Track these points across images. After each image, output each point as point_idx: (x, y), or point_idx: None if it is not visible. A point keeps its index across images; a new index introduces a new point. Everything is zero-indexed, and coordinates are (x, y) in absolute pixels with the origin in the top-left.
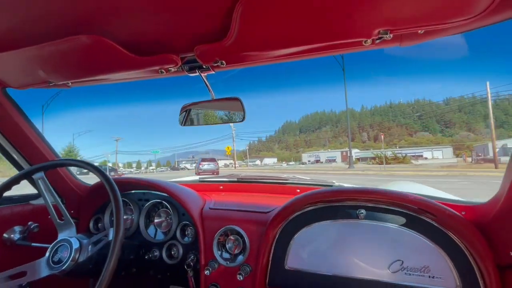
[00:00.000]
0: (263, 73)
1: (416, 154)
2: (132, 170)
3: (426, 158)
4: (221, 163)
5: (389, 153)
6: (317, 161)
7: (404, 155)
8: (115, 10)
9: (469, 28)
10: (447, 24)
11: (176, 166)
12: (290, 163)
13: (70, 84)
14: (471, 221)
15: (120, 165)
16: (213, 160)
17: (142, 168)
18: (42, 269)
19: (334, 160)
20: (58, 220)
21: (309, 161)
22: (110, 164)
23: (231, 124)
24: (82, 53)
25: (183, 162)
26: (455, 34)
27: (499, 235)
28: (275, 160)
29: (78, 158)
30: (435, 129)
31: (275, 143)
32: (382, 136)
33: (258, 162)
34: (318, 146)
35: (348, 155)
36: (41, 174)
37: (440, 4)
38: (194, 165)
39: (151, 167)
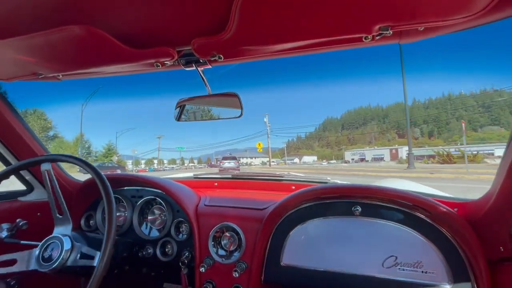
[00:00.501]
0: (295, 64)
1: (486, 151)
2: (174, 166)
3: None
4: (257, 160)
5: (451, 150)
6: (362, 160)
7: (474, 152)
8: (109, 0)
9: (469, 26)
10: (447, 21)
11: (215, 163)
12: (331, 161)
13: (60, 76)
14: (463, 217)
15: (165, 161)
16: (233, 158)
17: (185, 164)
18: (32, 261)
19: (382, 159)
20: (57, 214)
21: (352, 159)
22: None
23: (265, 120)
24: (74, 44)
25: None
26: (455, 32)
27: (490, 231)
28: (314, 158)
29: (117, 157)
30: (508, 122)
31: (315, 141)
32: (463, 124)
33: (296, 160)
34: (363, 144)
35: (408, 152)
36: (48, 165)
37: (441, 1)
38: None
39: (191, 164)
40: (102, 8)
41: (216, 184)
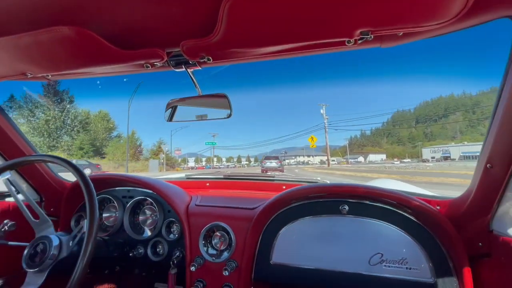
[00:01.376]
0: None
1: None
2: (229, 164)
3: None
4: (316, 159)
5: None
6: (446, 158)
7: None
8: (98, 1)
9: (444, 32)
10: (424, 27)
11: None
12: (405, 160)
13: (50, 76)
14: (445, 214)
15: (224, 159)
16: (275, 158)
17: (243, 162)
18: (32, 279)
19: (476, 157)
20: (33, 219)
21: (433, 157)
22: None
23: (322, 112)
24: (63, 45)
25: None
26: (432, 37)
27: (469, 227)
28: (383, 156)
29: (163, 154)
30: None
31: (383, 137)
32: None
33: (361, 158)
34: (445, 139)
35: None
36: (7, 174)
37: (415, 8)
38: (286, 160)
39: (244, 162)
40: (91, 9)
41: (208, 184)
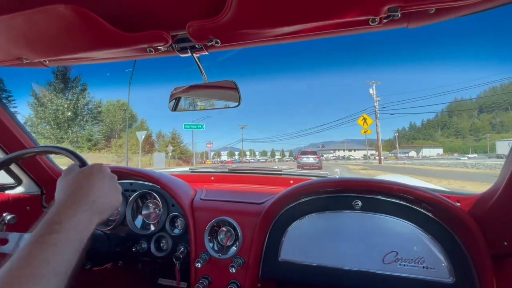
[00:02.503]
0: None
1: None
2: (260, 158)
3: None
4: (359, 153)
5: None
6: None
7: None
8: None
9: (485, 8)
10: (461, 1)
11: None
12: (470, 155)
13: (47, 62)
14: (466, 211)
15: (257, 153)
16: (313, 153)
17: (276, 157)
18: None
19: None
20: None
21: None
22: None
23: (371, 92)
24: (60, 26)
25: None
26: (467, 15)
27: (494, 226)
28: (439, 151)
29: (172, 147)
30: None
31: (437, 129)
32: None
33: (412, 153)
34: None
35: None
36: None
37: None
38: (324, 155)
39: (278, 156)
40: None
41: (213, 178)
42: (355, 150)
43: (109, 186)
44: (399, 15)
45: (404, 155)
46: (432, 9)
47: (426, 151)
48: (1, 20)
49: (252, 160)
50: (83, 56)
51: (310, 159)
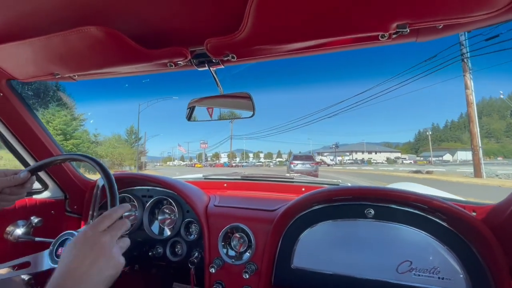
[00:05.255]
0: None
1: None
2: (254, 161)
3: None
4: (380, 156)
5: None
6: None
7: None
8: (125, 1)
9: (491, 23)
10: (469, 18)
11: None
12: None
13: (76, 77)
14: (483, 221)
15: (251, 155)
16: (309, 158)
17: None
18: (45, 261)
19: None
20: (91, 221)
21: None
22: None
23: None
24: (90, 45)
25: (325, 154)
26: (474, 29)
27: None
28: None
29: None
30: None
31: (464, 130)
32: None
33: (448, 156)
34: None
35: None
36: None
37: None
38: (335, 158)
39: (277, 159)
40: (119, 9)
41: (225, 185)
42: (376, 152)
43: (94, 260)
44: (408, 31)
45: (437, 158)
46: (440, 25)
47: (461, 154)
48: (39, 40)
49: (245, 164)
50: (109, 70)
51: (306, 166)
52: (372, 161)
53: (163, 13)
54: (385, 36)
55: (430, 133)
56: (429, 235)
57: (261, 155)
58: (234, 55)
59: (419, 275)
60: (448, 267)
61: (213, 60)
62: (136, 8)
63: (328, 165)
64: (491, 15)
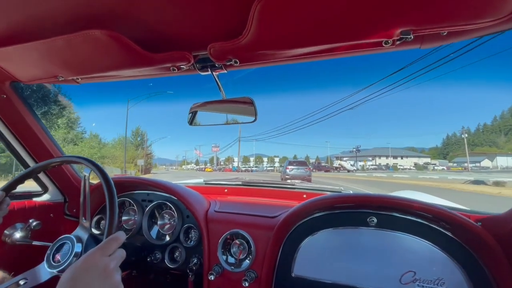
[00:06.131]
0: None
1: None
2: (267, 166)
3: None
4: (407, 161)
5: None
6: None
7: None
8: (129, 5)
9: (496, 30)
10: (473, 25)
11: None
12: None
13: (79, 80)
14: (488, 232)
15: (276, 159)
16: (302, 163)
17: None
18: (42, 273)
19: None
20: (84, 219)
21: None
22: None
23: None
24: (95, 48)
25: (345, 159)
26: (478, 37)
27: None
28: None
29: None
30: None
31: (499, 134)
32: None
33: (486, 162)
34: None
35: None
36: (89, 170)
37: (466, 4)
38: (356, 163)
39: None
40: (123, 13)
41: (226, 190)
42: (402, 157)
43: (105, 282)
44: (412, 37)
45: (474, 165)
46: (444, 32)
47: (501, 160)
48: (44, 43)
49: (255, 169)
50: (112, 74)
51: (301, 170)
52: (398, 166)
53: (166, 18)
54: (388, 43)
55: (467, 135)
56: (433, 244)
57: (276, 159)
58: (237, 60)
59: (423, 286)
60: (453, 278)
61: (216, 65)
62: (140, 12)
63: (348, 170)
64: (496, 22)
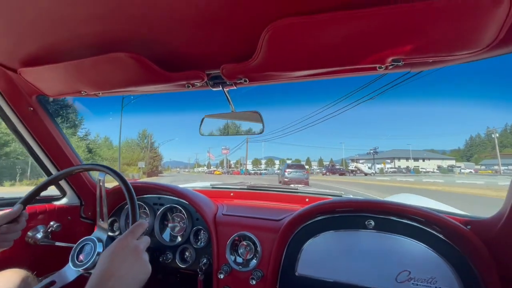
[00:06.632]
0: None
1: None
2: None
3: None
4: (430, 164)
5: None
6: None
7: None
8: (152, 31)
9: (476, 59)
10: (454, 56)
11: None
12: None
13: (100, 94)
14: (477, 234)
15: (277, 162)
16: (300, 167)
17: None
18: (69, 273)
19: None
20: (101, 220)
21: None
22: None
23: None
24: (118, 68)
25: (361, 161)
26: (461, 63)
27: (503, 249)
28: None
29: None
30: None
31: None
32: None
33: None
34: None
35: None
36: (103, 174)
37: (448, 39)
38: (374, 166)
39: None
40: (145, 38)
41: (232, 194)
42: (423, 160)
43: (131, 264)
44: (402, 63)
45: (506, 167)
46: (430, 60)
47: None
48: (72, 64)
49: (264, 172)
50: (130, 89)
51: (299, 173)
52: (420, 169)
53: (183, 41)
54: (382, 68)
55: (498, 135)
56: (426, 246)
57: (289, 162)
58: (247, 79)
59: (417, 285)
60: (444, 277)
61: (227, 83)
62: (161, 36)
63: (366, 174)
64: (473, 54)
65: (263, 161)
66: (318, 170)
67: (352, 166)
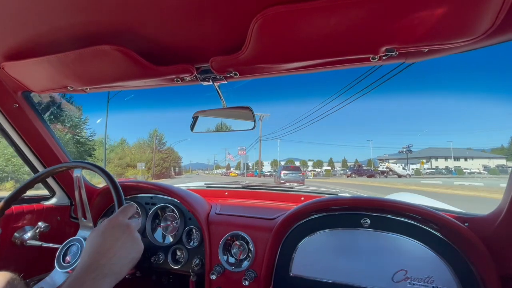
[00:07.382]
0: None
1: None
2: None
3: None
4: (475, 163)
5: None
6: None
7: None
8: (138, 23)
9: (471, 48)
10: (449, 44)
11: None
12: None
13: (88, 89)
14: (474, 232)
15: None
16: (296, 169)
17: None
18: (57, 277)
19: None
20: (82, 218)
21: None
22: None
23: None
24: (104, 62)
25: (391, 161)
26: (458, 53)
27: (501, 247)
28: None
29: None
30: None
31: None
32: None
33: None
34: None
35: None
36: (79, 171)
37: (443, 26)
38: (408, 166)
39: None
40: (132, 31)
41: (226, 193)
42: (466, 159)
43: (124, 242)
44: (396, 54)
45: None
46: (425, 49)
47: None
48: (56, 57)
49: (276, 174)
50: (119, 84)
51: (295, 175)
52: (464, 170)
53: (170, 33)
54: (375, 58)
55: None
56: (423, 244)
57: (309, 163)
58: (237, 72)
59: (414, 284)
60: (442, 276)
61: (217, 76)
62: (146, 28)
63: (400, 175)
64: (470, 42)
65: (282, 163)
66: (342, 172)
67: (382, 166)
